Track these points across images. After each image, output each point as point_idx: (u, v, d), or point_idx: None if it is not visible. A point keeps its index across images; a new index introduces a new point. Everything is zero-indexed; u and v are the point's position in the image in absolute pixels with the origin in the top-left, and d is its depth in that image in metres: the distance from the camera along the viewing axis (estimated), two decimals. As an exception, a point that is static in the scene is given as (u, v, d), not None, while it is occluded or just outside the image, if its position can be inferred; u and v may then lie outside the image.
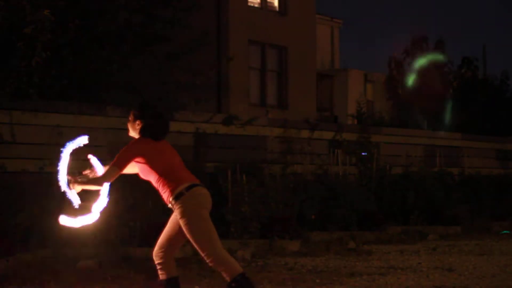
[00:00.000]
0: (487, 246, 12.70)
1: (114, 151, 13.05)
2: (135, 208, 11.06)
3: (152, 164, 5.73)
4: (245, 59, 22.48)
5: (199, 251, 5.69)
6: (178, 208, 5.64)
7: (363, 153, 16.48)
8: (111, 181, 5.82)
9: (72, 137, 11.62)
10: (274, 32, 23.57)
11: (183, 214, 5.62)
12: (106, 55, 13.67)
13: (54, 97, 12.51)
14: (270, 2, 24.09)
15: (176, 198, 5.65)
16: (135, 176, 12.33)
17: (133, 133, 5.95)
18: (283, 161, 14.98)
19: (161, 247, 5.85)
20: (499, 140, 22.42)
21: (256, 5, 23.58)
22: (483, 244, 12.92)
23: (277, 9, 24.17)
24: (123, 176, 12.40)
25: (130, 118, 5.92)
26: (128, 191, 11.17)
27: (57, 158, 11.71)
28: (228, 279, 5.67)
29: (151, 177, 5.79)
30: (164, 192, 5.72)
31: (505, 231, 15.45)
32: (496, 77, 32.23)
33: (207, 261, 5.69)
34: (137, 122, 5.86)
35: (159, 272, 5.87)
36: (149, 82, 14.28)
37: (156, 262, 5.88)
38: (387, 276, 9.16)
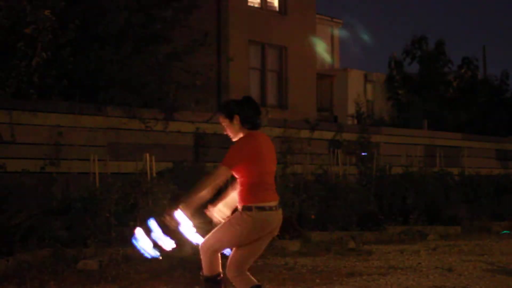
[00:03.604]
0: (487, 246, 12.70)
1: (114, 151, 13.14)
2: (135, 208, 11.06)
3: (246, 168, 5.60)
4: (245, 59, 22.48)
5: (205, 238, 5.68)
6: (241, 215, 5.59)
7: (363, 153, 16.49)
8: (219, 180, 5.58)
9: (72, 137, 11.60)
10: (274, 32, 23.56)
11: (237, 221, 5.59)
12: (106, 55, 13.67)
13: (54, 97, 12.52)
14: (270, 2, 24.09)
15: (245, 209, 5.59)
16: (135, 176, 12.29)
17: (234, 134, 5.78)
18: (283, 161, 14.98)
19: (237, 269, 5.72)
20: (499, 140, 22.44)
21: (256, 5, 23.57)
22: (483, 244, 12.92)
23: (277, 9, 24.16)
24: (123, 176, 12.43)
25: (225, 120, 5.78)
26: (128, 191, 11.19)
27: (57, 158, 11.69)
28: (203, 272, 5.71)
29: (238, 177, 5.66)
30: (239, 196, 5.65)
31: (505, 231, 15.45)
32: (496, 77, 32.25)
33: (202, 245, 5.66)
34: (235, 118, 5.73)
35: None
36: (149, 82, 14.28)
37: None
38: (387, 276, 9.16)
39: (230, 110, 5.79)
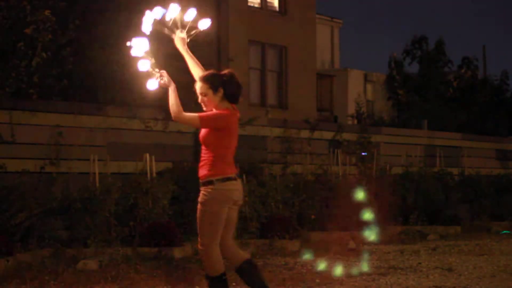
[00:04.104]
0: (487, 246, 12.71)
1: (114, 151, 13.14)
2: (135, 208, 11.06)
3: (219, 140, 5.78)
4: (245, 59, 22.48)
5: (198, 236, 5.78)
6: (202, 194, 5.75)
7: (363, 153, 16.49)
8: (182, 121, 5.92)
9: (72, 137, 11.62)
10: (274, 32, 23.56)
11: (203, 203, 5.73)
12: (106, 55, 13.66)
13: (54, 97, 12.51)
14: (270, 2, 24.09)
15: (207, 184, 5.73)
16: (135, 176, 12.32)
17: (212, 106, 5.92)
18: (283, 161, 14.99)
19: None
20: (499, 140, 22.44)
21: (256, 5, 23.57)
22: (483, 244, 12.92)
23: (277, 9, 24.16)
24: (123, 176, 12.44)
25: (208, 90, 5.90)
26: (128, 191, 11.19)
27: (57, 158, 11.68)
28: (207, 273, 5.82)
29: (207, 146, 5.82)
30: (203, 169, 5.79)
31: (505, 231, 15.45)
32: (496, 77, 32.24)
33: (199, 247, 5.80)
34: (219, 90, 5.88)
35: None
36: (149, 82, 14.22)
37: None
38: (387, 276, 9.16)
39: (215, 81, 5.91)
